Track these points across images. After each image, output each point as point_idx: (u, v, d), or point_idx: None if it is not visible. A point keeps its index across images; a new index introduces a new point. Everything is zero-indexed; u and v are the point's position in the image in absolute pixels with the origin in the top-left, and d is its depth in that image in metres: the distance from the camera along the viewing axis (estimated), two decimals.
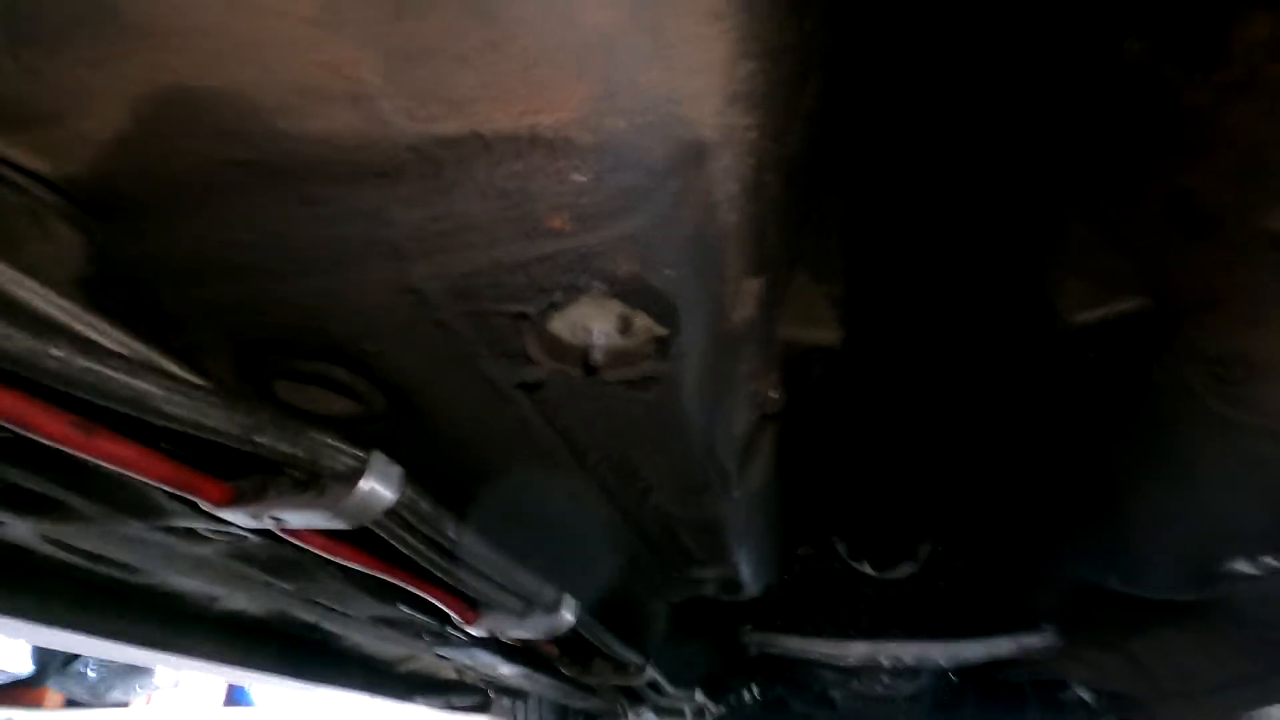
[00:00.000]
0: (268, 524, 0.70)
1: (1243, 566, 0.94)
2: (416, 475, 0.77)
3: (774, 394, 0.83)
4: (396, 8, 0.32)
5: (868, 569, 1.79)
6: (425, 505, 0.77)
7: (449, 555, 0.87)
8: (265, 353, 0.55)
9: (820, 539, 1.83)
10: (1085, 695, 2.12)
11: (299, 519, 0.69)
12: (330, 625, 1.51)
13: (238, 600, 1.44)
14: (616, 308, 0.46)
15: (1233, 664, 1.59)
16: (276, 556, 0.97)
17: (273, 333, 0.51)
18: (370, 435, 0.70)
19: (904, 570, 1.78)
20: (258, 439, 0.56)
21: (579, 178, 0.38)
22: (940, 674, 2.01)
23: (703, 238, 0.50)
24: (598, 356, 0.46)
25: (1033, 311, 0.91)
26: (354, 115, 0.36)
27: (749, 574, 1.08)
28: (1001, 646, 1.58)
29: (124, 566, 1.16)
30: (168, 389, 0.45)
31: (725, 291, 0.62)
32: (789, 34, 0.66)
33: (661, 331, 0.49)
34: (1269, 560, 0.93)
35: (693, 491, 0.73)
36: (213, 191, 0.40)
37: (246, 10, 0.32)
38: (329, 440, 0.62)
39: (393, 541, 0.80)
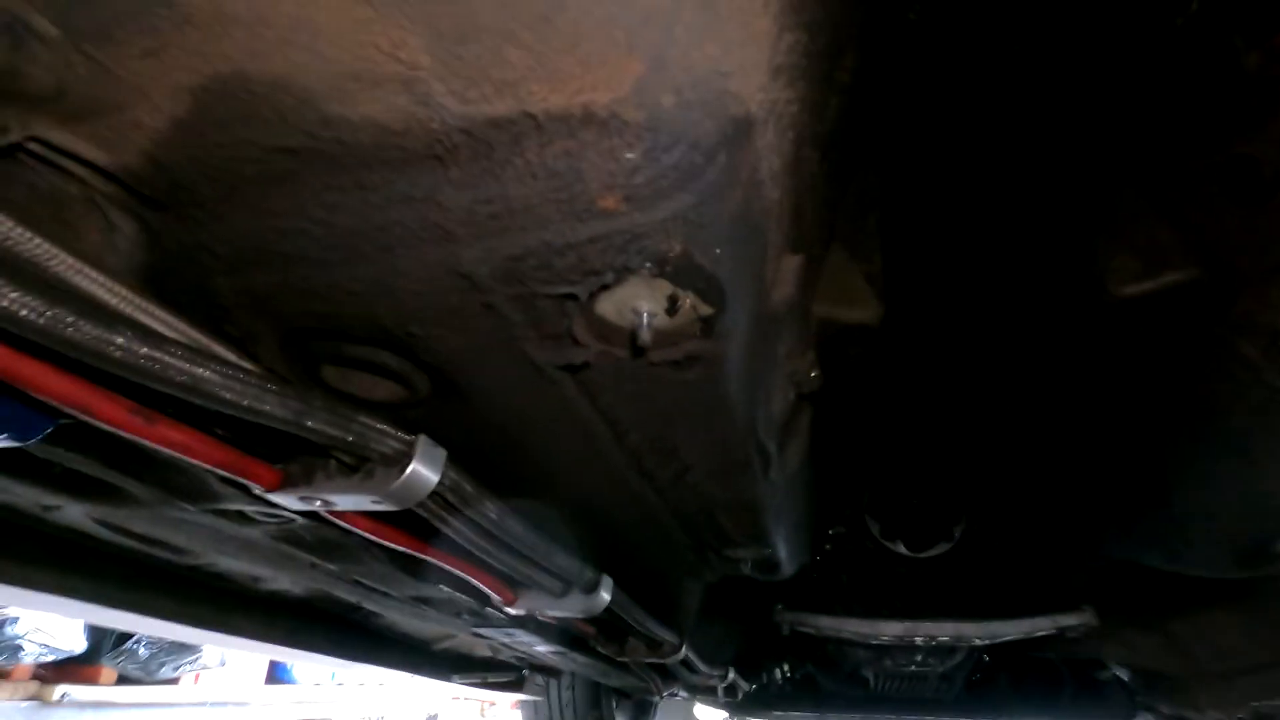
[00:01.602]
0: (317, 507, 0.71)
1: None
2: (459, 457, 0.78)
3: (813, 373, 0.82)
4: None
5: (902, 549, 1.78)
6: (468, 487, 0.78)
7: (490, 536, 0.88)
8: (313, 339, 0.56)
9: (854, 519, 1.82)
10: (1122, 675, 2.10)
11: (347, 501, 0.70)
12: (371, 605, 1.54)
13: (281, 581, 1.47)
14: (665, 287, 0.45)
15: (1274, 644, 1.56)
16: (322, 538, 0.99)
17: (322, 319, 0.51)
18: (414, 419, 0.71)
19: (939, 549, 1.76)
20: (309, 424, 0.57)
21: (630, 156, 0.38)
22: (973, 653, 2.00)
23: (748, 214, 0.49)
24: (645, 337, 0.46)
25: (1079, 284, 0.88)
26: (405, 98, 0.36)
27: (786, 554, 1.08)
28: (1039, 625, 1.57)
29: (173, 548, 1.19)
30: (224, 375, 0.46)
31: (767, 269, 0.62)
32: (826, 6, 0.65)
33: (707, 310, 0.48)
34: None
35: (732, 472, 0.73)
36: (265, 179, 0.40)
37: None
38: (377, 424, 0.62)
39: (436, 523, 0.81)
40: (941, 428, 1.35)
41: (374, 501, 0.69)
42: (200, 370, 0.45)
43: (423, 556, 0.94)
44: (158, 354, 0.42)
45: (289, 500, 0.70)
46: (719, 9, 0.37)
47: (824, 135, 0.76)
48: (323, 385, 0.64)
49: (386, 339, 0.53)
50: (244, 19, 0.33)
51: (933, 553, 1.76)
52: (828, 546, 1.87)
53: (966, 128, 0.80)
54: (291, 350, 0.57)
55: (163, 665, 2.93)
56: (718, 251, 0.45)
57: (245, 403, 0.52)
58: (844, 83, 0.78)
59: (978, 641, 1.63)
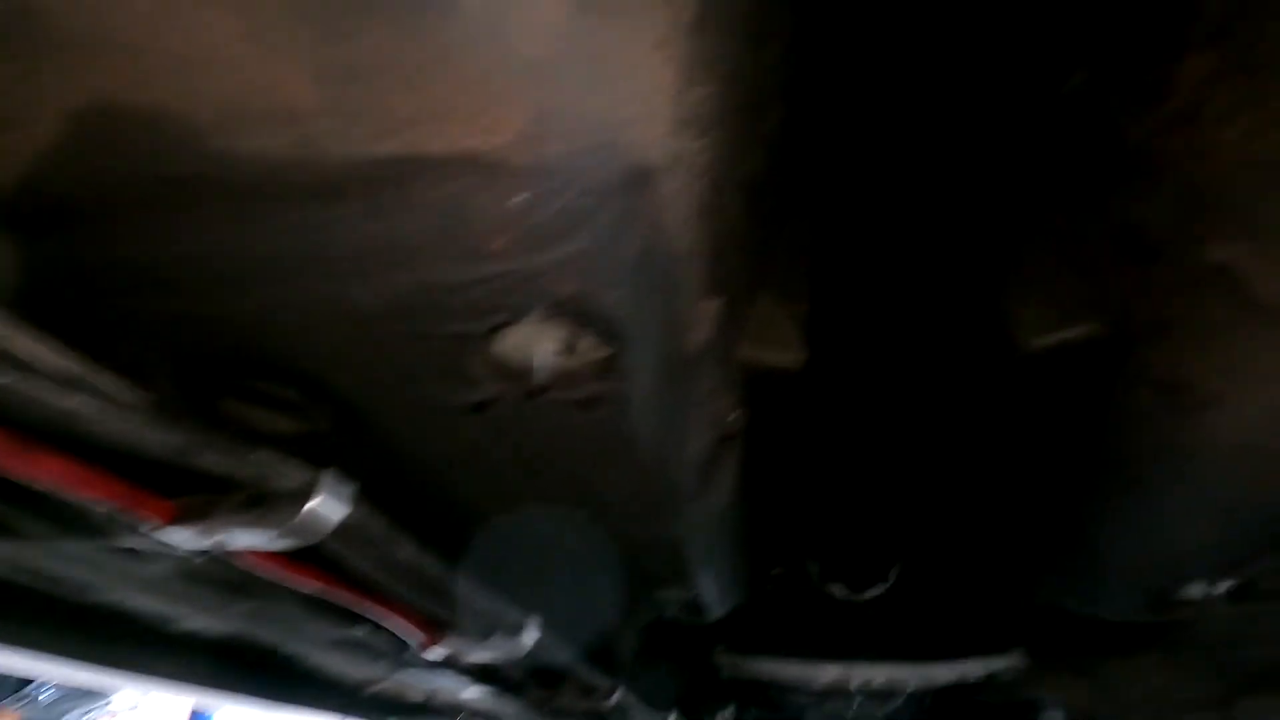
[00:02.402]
0: (212, 545, 0.69)
1: (1200, 591, 0.95)
2: (371, 493, 0.76)
3: (733, 415, 0.83)
4: (326, 29, 0.32)
5: (839, 591, 1.78)
6: (379, 524, 0.76)
7: (405, 576, 0.86)
8: (209, 369, 0.54)
9: (793, 560, 1.83)
10: (1059, 718, 2.13)
11: (245, 538, 0.67)
12: (294, 646, 1.47)
13: (197, 620, 1.40)
14: (561, 328, 0.46)
15: (1199, 686, 1.60)
16: (226, 577, 0.95)
17: (214, 349, 0.50)
18: (323, 453, 0.69)
19: (876, 592, 1.77)
20: (198, 458, 0.55)
21: (518, 200, 0.38)
22: (913, 697, 2.00)
23: (652, 259, 0.50)
24: (542, 377, 0.46)
25: (993, 334, 0.92)
26: (288, 135, 0.36)
27: (712, 596, 1.07)
28: (970, 669, 1.58)
29: (76, 585, 1.13)
30: (99, 407, 0.44)
31: (679, 312, 0.63)
32: (745, 62, 0.67)
33: (607, 351, 0.49)
34: (1226, 584, 0.94)
35: (648, 512, 0.73)
36: (148, 207, 0.39)
37: (173, 27, 0.32)
38: (275, 458, 0.61)
39: (345, 561, 0.78)
40: (876, 471, 1.38)
41: (273, 539, 0.67)
42: (72, 401, 0.43)
43: (334, 597, 0.91)
44: (23, 382, 0.41)
45: (184, 536, 0.67)
46: (608, 65, 0.38)
47: (748, 182, 0.79)
48: (223, 418, 0.62)
49: (283, 372, 0.52)
50: (116, 48, 0.33)
51: (870, 595, 1.77)
52: (769, 588, 1.87)
53: (885, 180, 0.84)
54: (187, 381, 0.55)
55: (68, 712, 2.74)
56: (616, 294, 0.45)
57: (124, 435, 0.50)
58: (770, 133, 0.81)
59: (912, 685, 1.64)
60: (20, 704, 2.57)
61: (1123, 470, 0.87)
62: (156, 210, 0.39)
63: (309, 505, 0.66)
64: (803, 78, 0.77)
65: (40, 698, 2.61)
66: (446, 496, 0.73)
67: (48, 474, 0.53)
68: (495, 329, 0.44)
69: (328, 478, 0.67)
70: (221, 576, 0.95)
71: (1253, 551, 0.78)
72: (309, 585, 0.87)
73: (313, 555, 0.77)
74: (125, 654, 1.29)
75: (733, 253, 0.78)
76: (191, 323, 0.47)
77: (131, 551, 0.87)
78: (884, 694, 1.85)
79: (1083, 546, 1.03)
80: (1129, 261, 0.74)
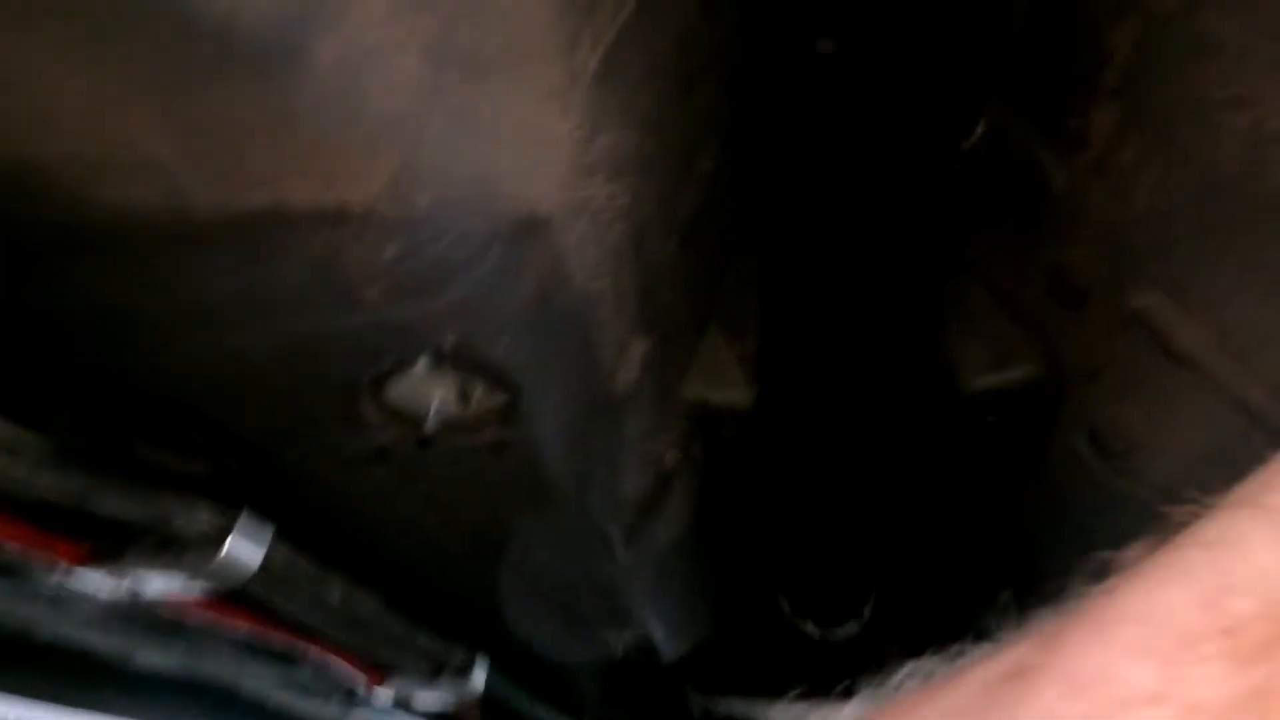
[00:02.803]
0: (127, 587, 0.67)
1: None
2: (295, 535, 0.75)
3: (673, 453, 0.82)
4: (172, 85, 0.32)
5: (811, 628, 1.76)
6: (304, 565, 0.75)
7: (339, 618, 0.84)
8: (113, 412, 0.54)
9: (766, 596, 1.80)
10: None
11: (158, 583, 0.66)
12: (249, 685, 1.44)
13: (153, 657, 1.37)
14: (451, 376, 0.45)
15: None
16: (156, 618, 0.93)
17: (111, 393, 0.49)
18: (241, 494, 0.68)
19: (848, 629, 1.75)
20: (100, 502, 0.54)
21: (390, 251, 0.38)
22: None
23: (553, 305, 0.50)
24: (432, 425, 0.45)
25: (938, 375, 0.92)
26: (154, 186, 0.36)
27: (663, 636, 1.05)
28: None
29: (21, 621, 1.10)
30: None
31: (600, 354, 0.62)
32: (670, 107, 0.68)
33: (502, 399, 0.48)
34: None
35: (575, 555, 0.72)
36: (19, 254, 0.39)
37: (27, 80, 0.32)
38: (182, 501, 0.60)
39: (274, 604, 0.77)
40: (840, 508, 1.37)
41: (187, 582, 0.66)
42: None
43: (270, 639, 0.89)
44: None
45: (96, 579, 0.66)
46: (482, 118, 0.39)
47: (682, 222, 0.79)
48: (135, 460, 0.61)
49: (184, 415, 0.51)
50: None
51: (844, 633, 1.74)
52: (742, 624, 1.84)
53: (828, 219, 0.84)
54: (90, 424, 0.55)
55: None
56: (506, 342, 0.45)
57: (21, 481, 0.49)
58: (706, 174, 0.82)
59: None
60: None
61: (1065, 512, 0.86)
62: (28, 259, 0.39)
63: (224, 549, 0.65)
64: (741, 119, 0.78)
65: None
66: (372, 538, 0.72)
67: None
68: (383, 377, 0.44)
69: (245, 520, 0.66)
70: (151, 617, 0.93)
71: None
72: (240, 627, 0.85)
73: (240, 597, 0.75)
74: (80, 691, 1.26)
75: (667, 292, 0.78)
76: (82, 367, 0.46)
77: (53, 593, 0.86)
78: None
79: (1038, 590, 1.01)
80: (1060, 305, 0.75)
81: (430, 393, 0.46)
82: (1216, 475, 0.61)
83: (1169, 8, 0.51)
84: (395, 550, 0.75)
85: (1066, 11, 0.60)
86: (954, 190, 0.72)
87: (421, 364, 0.44)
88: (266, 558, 0.70)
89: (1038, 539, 0.94)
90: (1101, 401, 0.73)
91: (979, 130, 0.66)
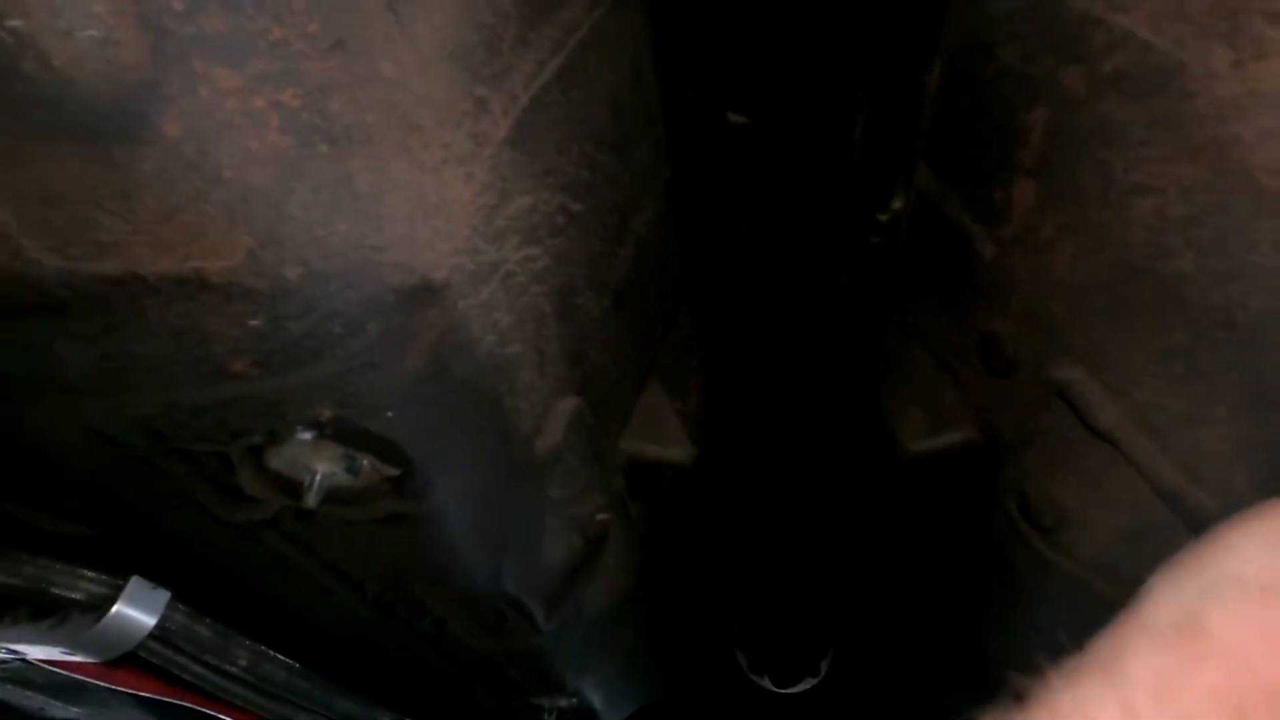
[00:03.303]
0: (9, 653, 0.63)
1: None
2: (200, 600, 0.71)
3: (604, 515, 0.80)
4: (12, 150, 0.31)
5: (768, 684, 1.71)
6: (204, 630, 0.71)
7: (249, 682, 0.80)
8: None
9: (723, 651, 1.76)
10: None
11: (38, 650, 0.62)
12: None
13: (63, 713, 1.29)
14: (335, 449, 0.43)
15: None
16: (54, 680, 0.87)
17: None
18: (137, 560, 0.65)
19: (805, 685, 1.71)
20: None
21: (255, 323, 0.36)
22: None
23: (451, 373, 0.48)
24: (312, 500, 0.43)
25: (880, 437, 0.91)
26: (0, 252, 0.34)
27: (601, 700, 1.01)
28: None
29: None
30: None
31: (516, 419, 0.60)
32: (599, 168, 0.68)
33: (393, 471, 0.46)
34: None
35: (489, 626, 0.69)
36: None
37: None
38: (60, 567, 0.56)
39: (175, 670, 0.73)
40: (791, 563, 1.34)
41: (66, 651, 0.62)
42: None
43: (178, 700, 0.84)
44: None
45: None
46: (356, 188, 0.37)
47: (617, 282, 0.78)
48: (18, 524, 0.58)
49: (57, 484, 0.48)
50: None
51: (799, 689, 1.70)
52: (701, 679, 1.79)
53: (758, 282, 0.84)
54: None
55: None
56: (390, 415, 0.43)
57: None
58: (642, 234, 0.81)
59: None
60: None
61: (1003, 580, 0.84)
62: None
63: (110, 615, 0.61)
64: (676, 181, 0.77)
65: None
66: (280, 604, 0.68)
67: None
68: (256, 448, 0.42)
69: (135, 586, 0.63)
70: (46, 679, 0.87)
71: None
72: (141, 690, 0.81)
73: (137, 660, 0.71)
74: None
75: (599, 352, 0.77)
76: None
77: None
78: None
79: (978, 654, 0.99)
80: (992, 373, 0.74)
81: (311, 465, 0.43)
82: (1139, 556, 0.59)
83: (1076, 93, 0.52)
84: (307, 617, 0.71)
85: (982, 92, 0.61)
86: (879, 259, 0.72)
87: (300, 436, 0.42)
88: (161, 623, 0.66)
89: (980, 606, 0.92)
90: (1032, 473, 0.72)
91: (895, 205, 0.66)
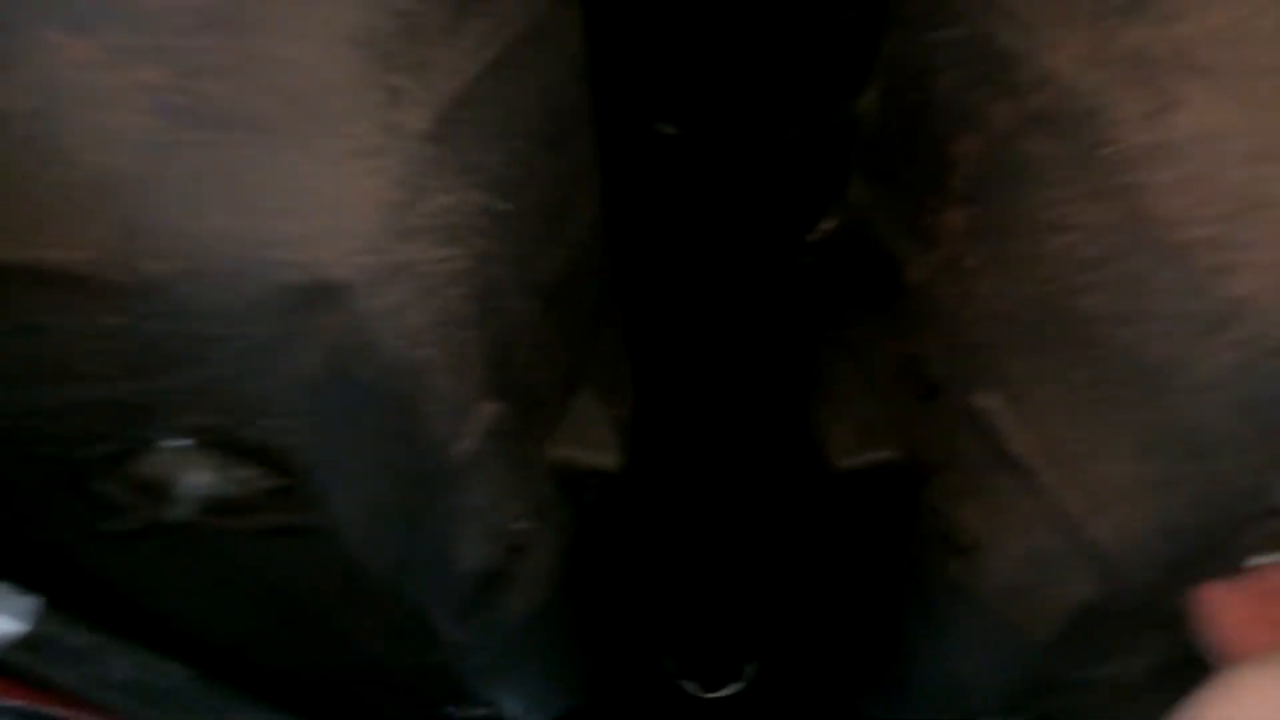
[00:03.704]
0: None
1: None
2: (85, 607, 0.66)
3: (526, 521, 0.78)
4: None
5: (694, 688, 1.72)
6: (80, 638, 0.66)
7: (132, 690, 0.75)
8: None
9: (650, 655, 1.76)
10: None
11: None
12: None
13: None
14: (213, 457, 0.40)
15: None
16: None
17: None
18: (7, 565, 0.59)
19: (730, 690, 1.72)
20: None
21: (111, 320, 0.33)
22: None
23: (352, 378, 0.45)
24: (183, 510, 0.40)
25: (811, 451, 0.91)
26: None
27: (521, 708, 0.99)
28: None
29: None
30: None
31: (430, 425, 0.58)
32: (530, 167, 0.66)
33: (280, 482, 0.43)
34: None
35: (393, 638, 0.66)
36: None
37: None
38: None
39: (52, 679, 0.67)
40: (719, 571, 1.34)
41: None
42: None
43: (50, 711, 0.78)
44: None
45: None
46: (239, 179, 0.34)
47: (549, 284, 0.76)
48: None
49: None
50: None
51: (723, 693, 1.71)
52: (631, 682, 1.79)
53: (689, 290, 0.82)
54: None
55: None
56: (278, 422, 0.40)
57: None
58: (577, 236, 0.79)
59: None
60: None
61: (922, 597, 0.86)
62: None
63: None
64: (610, 186, 0.76)
65: None
66: (171, 612, 0.64)
67: None
68: (118, 456, 0.38)
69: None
70: None
71: (1033, 692, 0.77)
72: (10, 698, 0.75)
73: (4, 668, 0.66)
74: None
75: (526, 356, 0.74)
76: None
77: None
78: None
79: (898, 667, 1.01)
80: (916, 396, 0.75)
81: (185, 474, 0.40)
82: (1044, 583, 0.61)
83: (1003, 127, 0.52)
84: (200, 627, 0.67)
85: (919, 117, 0.61)
86: (808, 278, 0.72)
87: (172, 443, 0.38)
88: (33, 631, 0.61)
89: (900, 621, 0.94)
90: (949, 495, 0.73)
91: (826, 226, 0.66)
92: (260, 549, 0.50)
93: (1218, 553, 0.45)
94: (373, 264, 0.45)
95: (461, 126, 0.53)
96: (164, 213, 0.32)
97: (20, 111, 0.27)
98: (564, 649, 1.15)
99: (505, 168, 0.61)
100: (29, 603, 0.60)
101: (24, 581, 0.60)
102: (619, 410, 0.93)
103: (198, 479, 0.40)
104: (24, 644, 0.61)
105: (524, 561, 0.86)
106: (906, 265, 0.69)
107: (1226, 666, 0.28)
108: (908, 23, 0.60)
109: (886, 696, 1.12)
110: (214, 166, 0.33)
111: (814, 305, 0.80)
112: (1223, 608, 0.38)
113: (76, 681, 0.69)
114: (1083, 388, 0.52)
